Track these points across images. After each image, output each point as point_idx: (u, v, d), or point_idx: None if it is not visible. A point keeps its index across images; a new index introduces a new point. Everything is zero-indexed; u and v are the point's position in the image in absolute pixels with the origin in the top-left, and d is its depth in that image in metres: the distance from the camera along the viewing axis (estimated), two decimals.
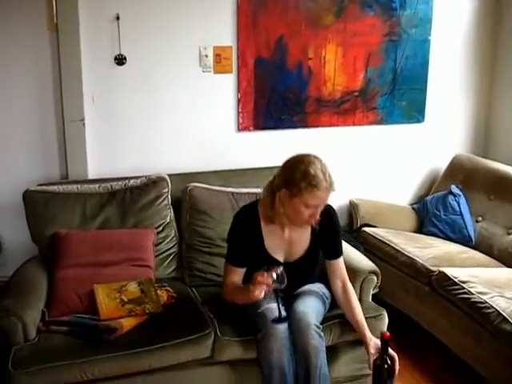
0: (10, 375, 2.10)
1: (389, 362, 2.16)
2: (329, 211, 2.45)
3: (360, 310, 2.42)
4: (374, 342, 2.28)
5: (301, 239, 2.49)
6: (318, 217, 2.32)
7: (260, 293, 2.19)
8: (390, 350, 2.18)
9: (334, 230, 2.50)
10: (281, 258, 2.47)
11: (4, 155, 3.17)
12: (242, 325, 2.41)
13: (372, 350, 2.26)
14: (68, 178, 3.17)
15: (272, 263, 2.31)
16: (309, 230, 2.48)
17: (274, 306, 2.32)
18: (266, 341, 2.24)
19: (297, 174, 2.25)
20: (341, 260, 2.50)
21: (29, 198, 2.80)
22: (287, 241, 2.47)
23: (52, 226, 2.78)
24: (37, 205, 2.79)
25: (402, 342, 3.16)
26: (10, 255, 3.12)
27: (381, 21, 3.52)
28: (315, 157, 2.31)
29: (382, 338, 2.15)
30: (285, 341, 2.25)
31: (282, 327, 2.26)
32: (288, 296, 2.42)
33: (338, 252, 2.51)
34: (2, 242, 3.21)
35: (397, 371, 2.20)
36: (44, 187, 2.86)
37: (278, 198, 2.32)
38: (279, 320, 2.26)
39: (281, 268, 2.21)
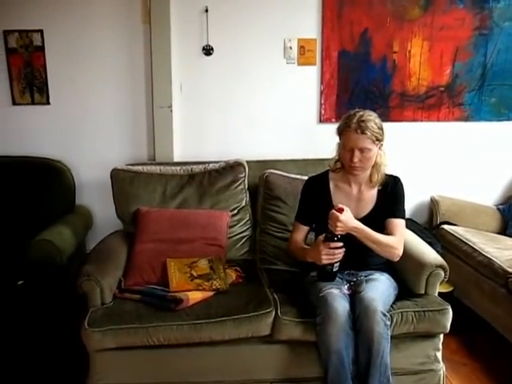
0: (85, 332, 2.32)
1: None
2: (393, 180, 2.59)
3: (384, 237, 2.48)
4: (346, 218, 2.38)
5: (368, 198, 2.58)
6: (355, 160, 2.44)
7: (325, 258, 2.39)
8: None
9: (394, 194, 2.58)
10: None
11: (99, 137, 3.44)
12: (304, 307, 2.46)
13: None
14: (155, 159, 3.38)
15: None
16: (375, 191, 2.57)
17: (335, 291, 2.38)
18: (325, 324, 2.28)
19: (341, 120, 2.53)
20: (396, 221, 2.54)
21: (115, 175, 3.02)
22: (355, 198, 2.58)
23: (135, 203, 2.99)
24: (122, 182, 3.01)
25: (474, 344, 3.10)
26: (100, 230, 3.35)
27: (471, 14, 3.42)
28: (367, 110, 2.50)
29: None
30: (344, 325, 2.27)
31: (343, 311, 2.30)
32: (357, 267, 2.55)
33: (394, 212, 2.55)
34: (93, 217, 3.48)
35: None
36: (130, 167, 3.08)
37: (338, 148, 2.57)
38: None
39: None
